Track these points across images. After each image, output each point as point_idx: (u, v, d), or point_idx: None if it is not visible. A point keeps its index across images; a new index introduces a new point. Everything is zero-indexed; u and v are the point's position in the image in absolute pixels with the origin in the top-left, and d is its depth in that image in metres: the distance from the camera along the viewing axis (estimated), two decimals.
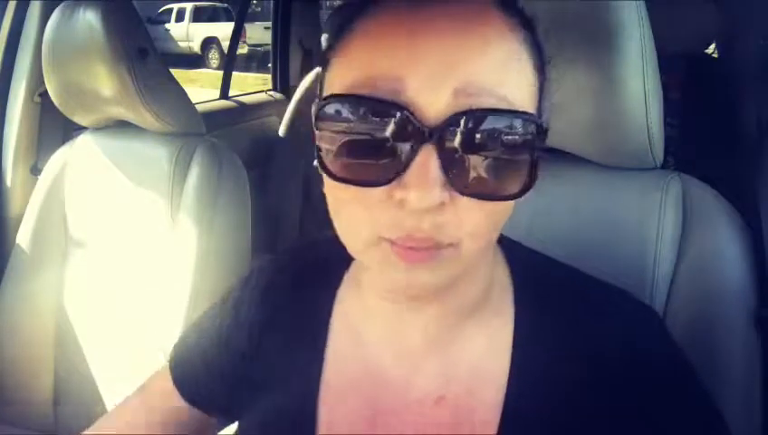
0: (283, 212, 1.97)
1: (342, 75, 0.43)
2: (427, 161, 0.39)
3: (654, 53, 0.67)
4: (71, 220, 1.17)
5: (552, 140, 0.73)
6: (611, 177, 0.76)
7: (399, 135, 0.39)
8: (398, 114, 0.39)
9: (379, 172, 0.40)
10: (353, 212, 0.42)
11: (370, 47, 0.42)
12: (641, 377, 0.47)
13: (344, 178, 0.41)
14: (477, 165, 0.40)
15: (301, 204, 1.97)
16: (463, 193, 0.40)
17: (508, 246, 0.55)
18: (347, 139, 0.41)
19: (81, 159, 1.17)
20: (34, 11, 1.28)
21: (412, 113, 0.39)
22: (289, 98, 2.12)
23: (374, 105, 0.40)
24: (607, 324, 0.50)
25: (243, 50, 8.11)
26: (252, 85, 3.96)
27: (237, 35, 2.31)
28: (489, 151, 0.40)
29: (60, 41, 1.04)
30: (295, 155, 1.93)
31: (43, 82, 1.13)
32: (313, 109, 0.43)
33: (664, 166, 0.74)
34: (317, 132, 0.42)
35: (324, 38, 1.94)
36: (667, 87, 0.70)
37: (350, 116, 0.41)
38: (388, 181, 0.40)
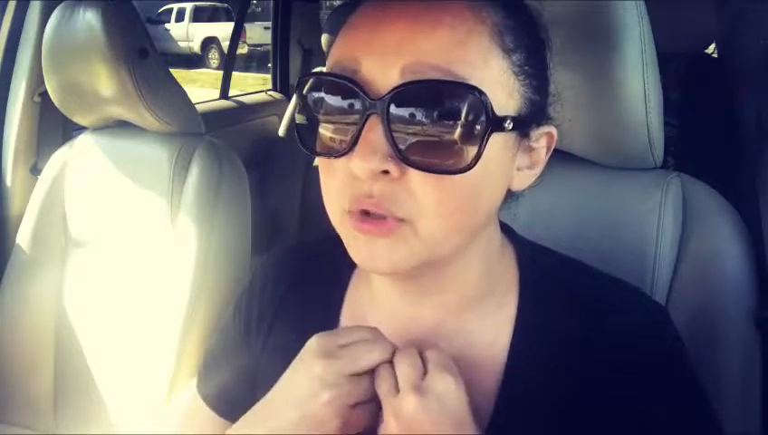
0: (282, 212, 1.97)
1: (326, 65, 0.47)
2: (371, 131, 0.42)
3: (654, 53, 0.67)
4: (71, 220, 1.17)
5: None
6: (611, 177, 0.76)
7: (352, 108, 0.43)
8: (352, 88, 0.42)
9: (339, 144, 0.44)
10: (328, 186, 0.46)
11: (344, 37, 0.46)
12: (644, 373, 0.48)
13: (316, 150, 0.46)
14: (421, 136, 0.42)
15: (300, 204, 1.97)
16: (407, 163, 0.42)
17: (518, 242, 0.56)
18: (316, 115, 0.46)
19: (81, 159, 1.17)
20: (34, 11, 1.28)
21: (360, 87, 0.42)
22: (289, 98, 2.12)
23: (332, 81, 0.44)
24: (613, 322, 0.50)
25: (243, 50, 8.11)
26: (252, 85, 3.96)
27: (237, 35, 2.31)
28: (432, 123, 0.42)
29: (60, 41, 1.04)
30: (295, 155, 1.93)
31: (43, 82, 1.13)
32: (295, 90, 0.48)
33: (664, 166, 0.74)
34: (296, 110, 0.48)
35: (324, 38, 1.94)
36: (667, 87, 0.70)
37: (317, 93, 0.45)
38: (346, 152, 0.43)
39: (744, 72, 1.43)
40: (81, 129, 1.21)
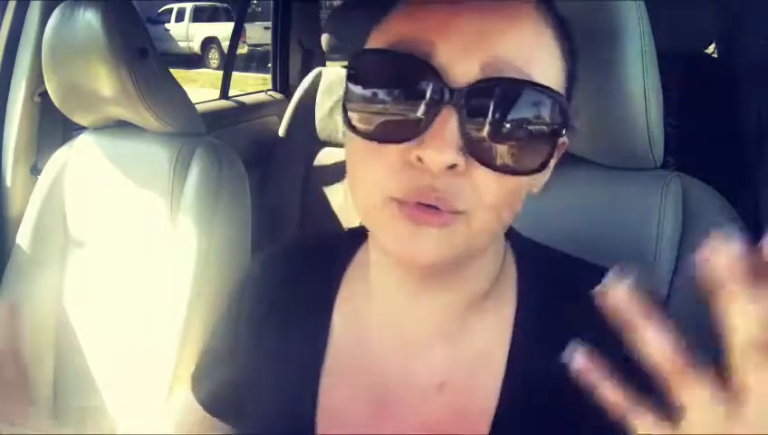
0: (282, 212, 1.97)
1: (377, 40, 0.44)
2: (447, 122, 0.39)
3: (654, 53, 0.67)
4: (71, 220, 1.17)
5: None
6: (611, 177, 0.76)
7: (424, 94, 0.40)
8: (425, 72, 0.40)
9: (400, 130, 0.41)
10: (369, 170, 0.43)
11: (408, 15, 0.43)
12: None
13: (367, 134, 0.42)
14: (496, 135, 0.40)
15: (301, 204, 1.97)
16: (478, 159, 0.40)
17: (516, 238, 0.55)
18: (373, 95, 0.42)
19: (81, 159, 1.17)
20: (34, 11, 1.28)
21: (437, 74, 0.40)
22: (289, 98, 2.12)
23: (403, 62, 0.41)
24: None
25: (243, 50, 8.11)
26: (252, 86, 3.96)
27: (237, 35, 2.31)
28: (510, 123, 0.40)
29: (60, 41, 1.04)
30: (295, 155, 1.93)
31: (43, 82, 1.13)
32: (347, 63, 0.44)
33: (664, 166, 0.74)
34: (347, 87, 0.43)
35: (324, 38, 1.94)
36: (667, 87, 0.70)
37: (379, 72, 0.42)
38: (408, 139, 0.40)
39: (743, 72, 1.43)
40: (81, 129, 1.21)
